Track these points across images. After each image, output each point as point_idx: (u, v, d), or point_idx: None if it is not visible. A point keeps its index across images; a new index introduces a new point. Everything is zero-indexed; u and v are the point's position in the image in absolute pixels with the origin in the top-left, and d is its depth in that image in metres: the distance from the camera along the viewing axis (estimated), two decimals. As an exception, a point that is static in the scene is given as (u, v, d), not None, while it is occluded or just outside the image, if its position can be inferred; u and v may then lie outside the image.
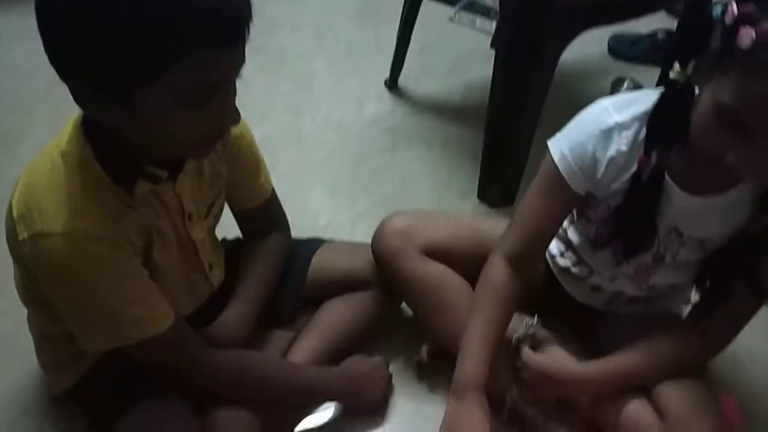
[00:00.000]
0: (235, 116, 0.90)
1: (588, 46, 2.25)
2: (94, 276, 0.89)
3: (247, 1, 0.82)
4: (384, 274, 1.26)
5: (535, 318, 1.22)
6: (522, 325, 1.22)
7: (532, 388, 1.13)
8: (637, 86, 1.99)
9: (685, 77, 0.95)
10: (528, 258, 1.15)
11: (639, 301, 1.22)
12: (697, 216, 1.05)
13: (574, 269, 1.24)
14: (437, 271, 1.21)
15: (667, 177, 1.03)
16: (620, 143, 1.03)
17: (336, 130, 1.95)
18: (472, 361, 1.09)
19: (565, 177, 1.06)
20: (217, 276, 1.17)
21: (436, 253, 1.22)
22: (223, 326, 1.12)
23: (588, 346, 1.23)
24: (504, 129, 1.64)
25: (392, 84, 2.11)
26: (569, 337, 1.26)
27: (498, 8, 2.10)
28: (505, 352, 1.15)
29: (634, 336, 1.14)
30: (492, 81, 1.61)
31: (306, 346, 1.22)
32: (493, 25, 2.34)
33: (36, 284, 0.95)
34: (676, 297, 1.24)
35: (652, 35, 2.34)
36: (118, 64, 0.77)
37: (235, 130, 1.05)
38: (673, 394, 1.08)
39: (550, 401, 1.16)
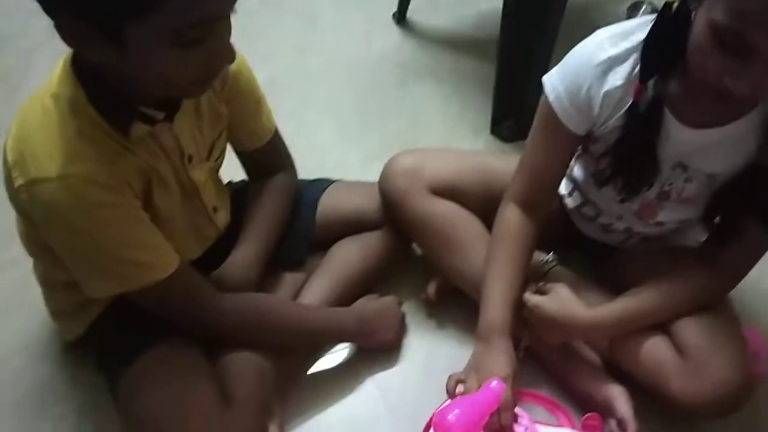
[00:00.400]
0: (230, 54, 0.86)
1: (604, -29, 2.16)
2: (93, 221, 0.87)
3: None
4: (392, 214, 1.23)
5: (551, 254, 1.20)
6: (539, 261, 1.20)
7: (540, 333, 1.11)
8: (655, 11, 1.90)
9: None
10: (539, 200, 1.12)
11: (652, 240, 1.18)
12: (702, 150, 1.00)
13: (582, 209, 1.20)
14: (446, 208, 1.19)
15: (667, 111, 0.97)
16: (615, 78, 0.98)
17: (343, 67, 1.89)
18: (495, 306, 1.07)
19: (561, 118, 1.02)
20: (222, 219, 1.15)
21: (444, 190, 1.19)
22: (231, 268, 1.11)
23: (604, 281, 1.21)
24: (517, 61, 1.58)
25: (400, 17, 2.04)
26: (584, 272, 1.23)
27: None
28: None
29: (650, 270, 1.11)
30: (503, 10, 1.54)
31: (318, 287, 1.21)
32: (505, -48, 2.25)
33: (37, 232, 0.93)
34: (690, 232, 1.20)
35: (672, -43, 2.23)
36: (106, 1, 0.73)
37: (232, 67, 1.01)
38: (691, 329, 1.06)
39: (558, 345, 1.14)
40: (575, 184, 1.20)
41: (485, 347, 1.06)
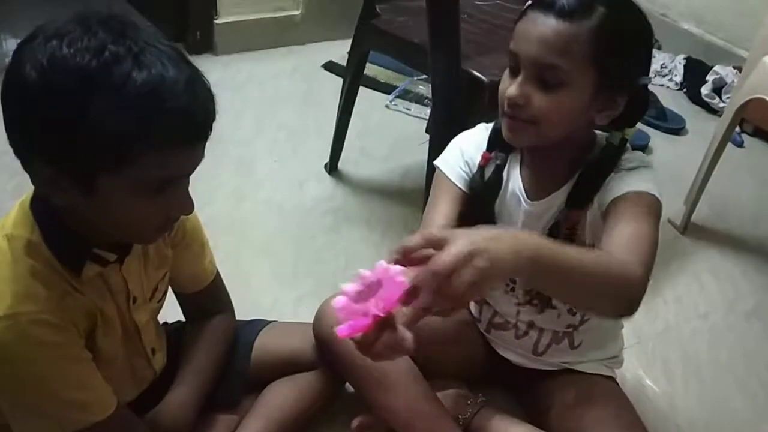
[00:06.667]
0: (189, 206, 0.93)
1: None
2: (37, 360, 0.88)
3: (213, 99, 0.87)
4: (326, 355, 1.26)
5: (480, 396, 1.25)
6: (466, 404, 1.26)
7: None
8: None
9: None
10: None
11: (561, 339, 1.25)
12: (535, 221, 1.16)
13: (493, 320, 1.28)
14: None
15: (522, 188, 1.17)
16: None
17: (277, 213, 1.97)
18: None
19: (449, 176, 1.20)
20: (159, 361, 1.16)
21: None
22: (168, 410, 1.11)
23: (531, 416, 1.26)
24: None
25: (332, 167, 2.17)
26: (513, 410, 1.29)
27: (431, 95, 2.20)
28: None
29: (574, 401, 1.18)
30: (428, 163, 1.67)
31: (251, 429, 1.21)
32: (427, 111, 2.45)
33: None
34: (598, 337, 1.26)
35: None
36: (86, 154, 0.80)
37: (181, 214, 1.07)
38: None
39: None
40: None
41: None
